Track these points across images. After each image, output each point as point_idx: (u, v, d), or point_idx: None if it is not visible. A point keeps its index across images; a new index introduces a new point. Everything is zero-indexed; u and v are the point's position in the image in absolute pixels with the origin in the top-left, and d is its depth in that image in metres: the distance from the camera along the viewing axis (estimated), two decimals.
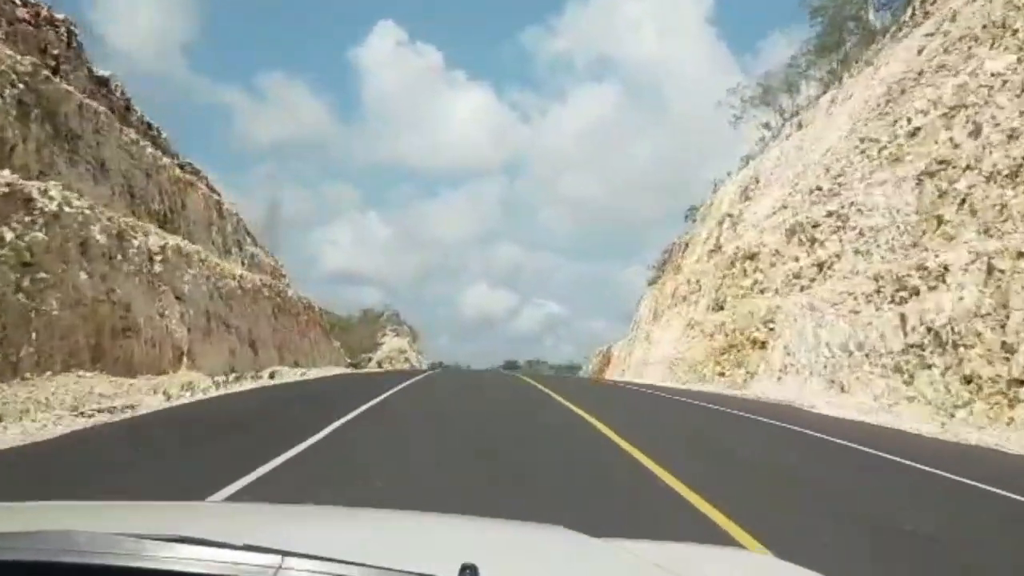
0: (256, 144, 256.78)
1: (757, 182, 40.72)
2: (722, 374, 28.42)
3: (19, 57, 15.54)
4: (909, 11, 32.82)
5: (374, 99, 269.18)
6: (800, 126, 40.70)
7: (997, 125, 18.38)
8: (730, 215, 40.52)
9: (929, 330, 16.60)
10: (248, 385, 17.16)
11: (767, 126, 51.03)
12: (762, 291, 29.60)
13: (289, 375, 22.04)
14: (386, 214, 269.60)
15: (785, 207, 31.47)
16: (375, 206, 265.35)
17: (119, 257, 15.80)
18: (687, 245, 48.50)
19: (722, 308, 34.50)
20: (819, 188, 28.59)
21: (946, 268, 16.79)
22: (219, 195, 30.97)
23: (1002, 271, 15.12)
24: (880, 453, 9.90)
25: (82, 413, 9.72)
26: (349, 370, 37.61)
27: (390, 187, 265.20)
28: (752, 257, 31.75)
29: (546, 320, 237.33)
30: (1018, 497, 7.16)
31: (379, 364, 76.78)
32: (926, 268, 17.68)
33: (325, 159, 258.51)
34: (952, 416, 14.76)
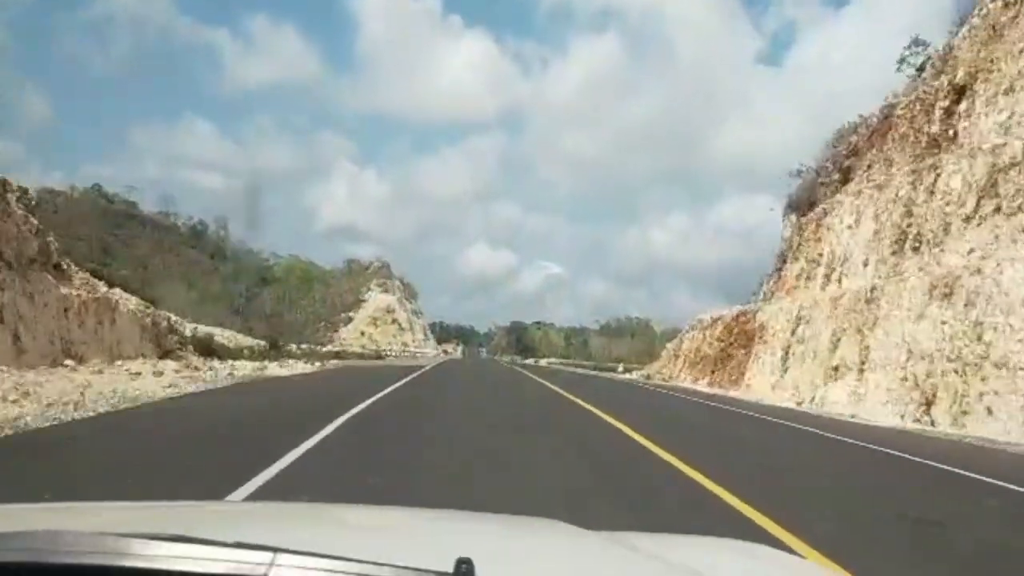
0: (248, 91, 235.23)
1: None
2: None
3: None
4: None
5: (368, 45, 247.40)
6: None
7: None
8: None
9: None
10: None
11: None
12: None
13: None
14: (382, 168, 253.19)
15: None
16: (371, 160, 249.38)
17: None
18: (959, 92, 21.68)
19: None
20: None
21: None
22: None
23: None
24: None
25: None
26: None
27: (386, 140, 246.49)
28: None
29: (546, 281, 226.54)
30: None
31: (297, 344, 50.17)
32: None
33: (319, 108, 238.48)
34: None
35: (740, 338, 27.29)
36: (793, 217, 33.34)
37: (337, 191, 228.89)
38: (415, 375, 24.25)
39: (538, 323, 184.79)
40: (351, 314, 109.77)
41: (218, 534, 0.92)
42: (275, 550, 0.85)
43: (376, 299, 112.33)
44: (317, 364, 26.59)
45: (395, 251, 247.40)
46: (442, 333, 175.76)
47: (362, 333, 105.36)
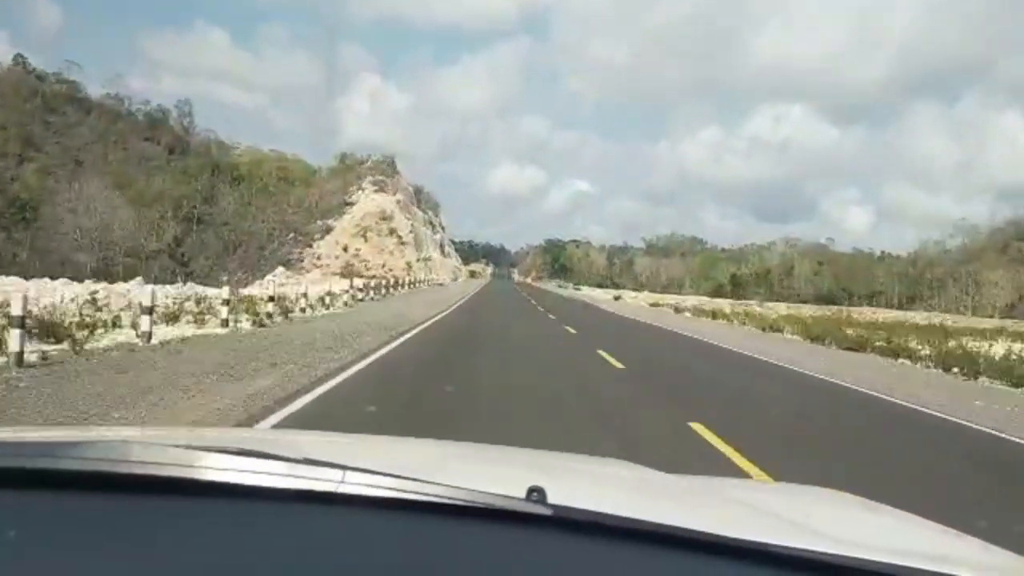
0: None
1: None
2: None
3: None
4: None
5: None
6: None
7: None
8: None
9: None
10: None
11: None
12: None
13: None
14: (403, 82, 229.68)
15: None
16: (391, 74, 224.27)
17: None
18: None
19: None
20: None
21: None
22: None
23: None
24: None
25: None
26: None
27: (404, 50, 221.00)
28: None
29: (575, 199, 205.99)
30: None
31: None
32: None
33: (332, 15, 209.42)
34: None
35: None
36: None
37: (358, 106, 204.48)
38: None
39: (576, 241, 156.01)
40: (331, 222, 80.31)
41: (284, 453, 0.88)
42: (344, 468, 0.82)
43: (367, 200, 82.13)
44: None
45: (420, 168, 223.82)
46: (471, 252, 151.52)
47: (344, 248, 76.29)
